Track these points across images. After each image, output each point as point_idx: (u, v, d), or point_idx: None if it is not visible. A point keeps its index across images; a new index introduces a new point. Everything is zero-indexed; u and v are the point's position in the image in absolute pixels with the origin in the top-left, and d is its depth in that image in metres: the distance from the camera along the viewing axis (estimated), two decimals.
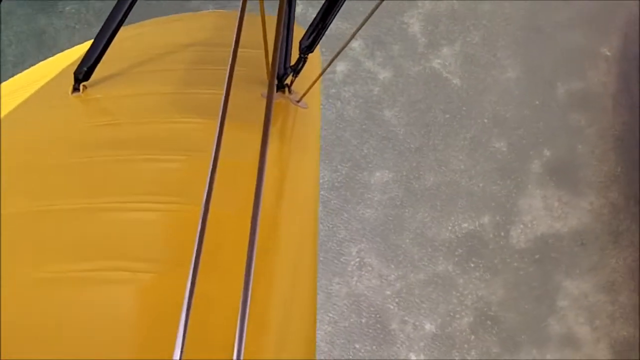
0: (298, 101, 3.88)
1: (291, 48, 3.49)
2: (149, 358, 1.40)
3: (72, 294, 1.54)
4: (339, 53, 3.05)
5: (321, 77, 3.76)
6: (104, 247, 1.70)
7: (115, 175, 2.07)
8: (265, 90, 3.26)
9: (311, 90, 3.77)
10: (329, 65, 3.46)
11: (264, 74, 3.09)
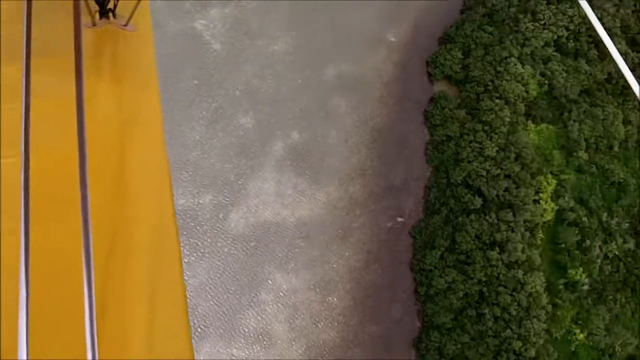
0: (125, 25, 4.34)
1: None
2: None
3: None
4: None
5: None
6: None
7: None
8: (87, 21, 3.62)
9: (139, 10, 4.23)
10: None
11: (84, 2, 3.04)
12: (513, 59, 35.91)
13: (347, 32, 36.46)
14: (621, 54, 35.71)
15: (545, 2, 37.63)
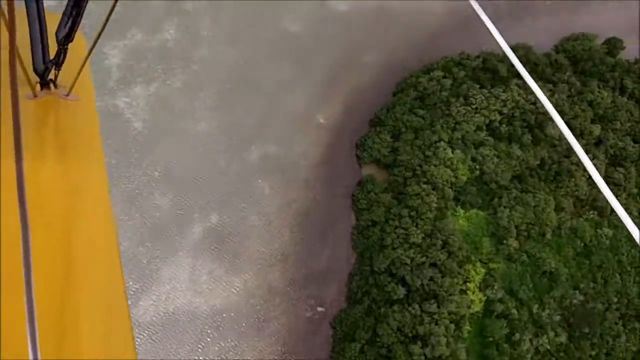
0: (67, 95, 4.41)
1: (47, 41, 3.90)
2: None
3: None
4: (98, 37, 3.53)
5: (89, 65, 4.23)
6: None
7: None
8: (29, 92, 3.80)
9: (81, 79, 4.32)
10: (90, 52, 4.03)
11: (23, 73, 3.16)
12: (443, 143, 35.31)
13: (275, 112, 35.96)
14: (555, 139, 35.40)
15: (478, 86, 37.35)
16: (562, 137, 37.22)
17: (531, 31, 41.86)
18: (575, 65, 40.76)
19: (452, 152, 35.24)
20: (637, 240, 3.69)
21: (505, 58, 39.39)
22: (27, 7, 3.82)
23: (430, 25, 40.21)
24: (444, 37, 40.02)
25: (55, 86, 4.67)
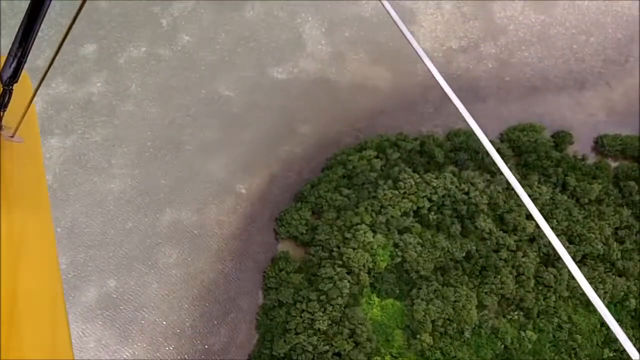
0: (12, 136, 4.53)
1: None
2: None
3: None
4: (43, 78, 3.84)
5: (34, 106, 4.52)
6: None
7: None
8: None
9: (26, 120, 4.50)
10: (36, 92, 4.28)
11: None
12: (364, 226, 33.80)
13: (195, 177, 34.68)
14: (485, 232, 33.86)
15: (411, 169, 36.09)
16: (492, 231, 35.75)
17: (479, 117, 40.48)
18: (519, 156, 39.55)
19: (374, 236, 33.70)
20: None
21: (443, 143, 38.37)
22: None
23: (373, 102, 39.27)
24: (386, 116, 39.02)
25: (0, 127, 4.55)
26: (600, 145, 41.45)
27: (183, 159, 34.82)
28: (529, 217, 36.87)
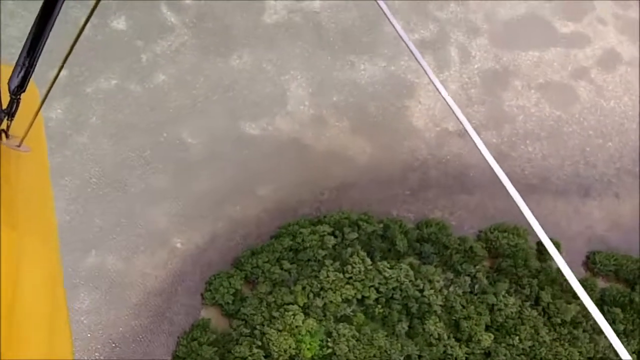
0: (19, 145, 4.53)
1: None
2: None
3: None
4: (50, 87, 4.01)
5: (41, 116, 4.54)
6: None
7: None
8: None
9: (33, 130, 4.50)
10: (43, 102, 4.39)
11: None
12: (296, 307, 30.88)
13: (131, 221, 32.73)
14: (434, 337, 30.38)
15: (366, 253, 33.06)
16: (441, 337, 32.19)
17: (459, 208, 37.65)
18: (494, 259, 35.95)
19: (304, 320, 30.70)
20: None
21: (411, 231, 35.19)
22: None
23: (345, 174, 36.68)
24: (355, 191, 36.31)
25: (7, 136, 4.49)
26: (591, 261, 37.40)
27: (124, 201, 32.97)
28: (489, 328, 33.17)
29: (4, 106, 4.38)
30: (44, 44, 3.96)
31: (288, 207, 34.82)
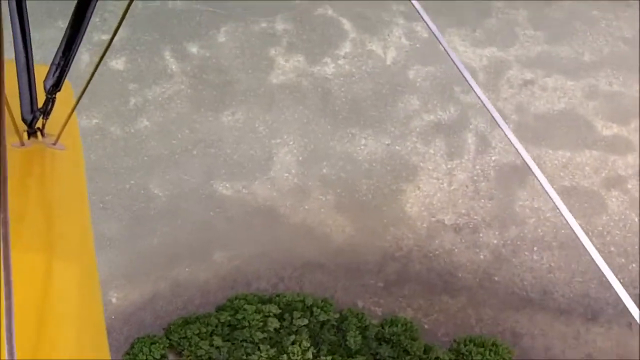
0: (54, 144, 4.81)
1: (35, 90, 4.42)
2: None
3: None
4: (86, 86, 4.10)
5: (76, 114, 4.80)
6: None
7: None
8: (16, 141, 4.35)
9: (68, 128, 4.73)
10: (78, 101, 4.61)
11: (11, 122, 3.91)
12: None
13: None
14: None
15: (310, 344, 29.85)
16: None
17: (436, 311, 33.78)
18: None
19: None
20: None
21: (371, 327, 31.64)
22: (16, 59, 4.08)
23: (315, 252, 33.86)
24: (322, 273, 33.37)
25: (43, 135, 4.70)
26: None
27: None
28: None
29: (40, 105, 4.40)
30: (79, 44, 3.97)
31: (242, 279, 32.32)
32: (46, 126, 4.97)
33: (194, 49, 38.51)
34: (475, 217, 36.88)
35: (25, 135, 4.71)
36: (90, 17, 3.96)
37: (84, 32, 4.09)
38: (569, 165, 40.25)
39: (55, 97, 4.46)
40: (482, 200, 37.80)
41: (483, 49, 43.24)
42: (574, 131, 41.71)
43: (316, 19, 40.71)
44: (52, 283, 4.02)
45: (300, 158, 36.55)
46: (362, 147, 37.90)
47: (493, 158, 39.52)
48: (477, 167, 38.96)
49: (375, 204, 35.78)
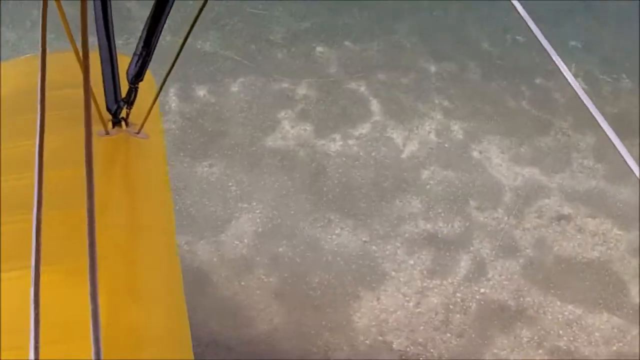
0: (137, 132, 4.14)
1: (119, 80, 3.81)
2: None
3: None
4: (167, 75, 3.34)
5: (158, 104, 4.05)
6: None
7: None
8: (100, 129, 3.67)
9: (150, 118, 4.04)
10: (160, 90, 3.72)
11: (96, 112, 3.31)
12: None
13: None
14: None
15: None
16: None
17: None
18: None
19: None
20: None
21: None
22: (100, 50, 4.01)
23: (227, 334, 30.79)
24: (223, 356, 30.28)
25: (127, 124, 4.40)
26: None
27: None
28: None
29: (123, 95, 4.18)
30: (160, 33, 3.80)
31: (200, 339, 30.12)
32: (130, 115, 4.47)
33: (201, 92, 37.42)
34: (432, 351, 31.61)
35: (110, 124, 4.21)
36: (171, 8, 3.70)
37: (164, 22, 3.78)
38: (574, 324, 33.48)
39: (137, 87, 4.04)
40: (449, 335, 32.33)
41: (522, 168, 37.85)
42: (598, 288, 34.69)
43: (343, 92, 38.01)
44: (136, 272, 3.72)
45: (260, 229, 33.64)
46: (334, 236, 34.13)
47: (482, 290, 33.81)
48: (458, 295, 33.45)
49: (320, 302, 31.81)
